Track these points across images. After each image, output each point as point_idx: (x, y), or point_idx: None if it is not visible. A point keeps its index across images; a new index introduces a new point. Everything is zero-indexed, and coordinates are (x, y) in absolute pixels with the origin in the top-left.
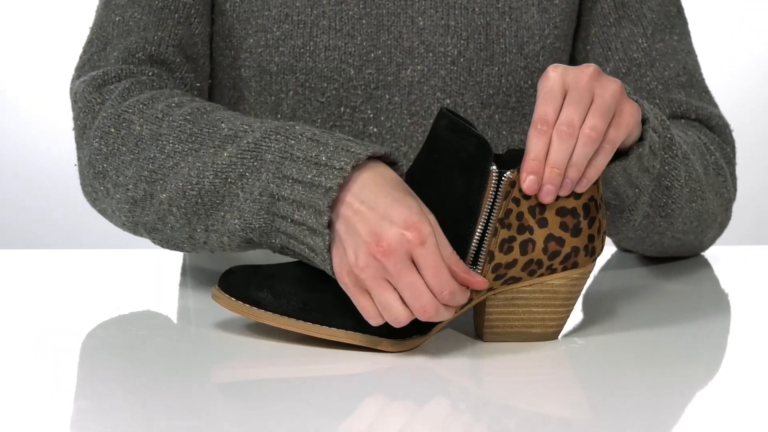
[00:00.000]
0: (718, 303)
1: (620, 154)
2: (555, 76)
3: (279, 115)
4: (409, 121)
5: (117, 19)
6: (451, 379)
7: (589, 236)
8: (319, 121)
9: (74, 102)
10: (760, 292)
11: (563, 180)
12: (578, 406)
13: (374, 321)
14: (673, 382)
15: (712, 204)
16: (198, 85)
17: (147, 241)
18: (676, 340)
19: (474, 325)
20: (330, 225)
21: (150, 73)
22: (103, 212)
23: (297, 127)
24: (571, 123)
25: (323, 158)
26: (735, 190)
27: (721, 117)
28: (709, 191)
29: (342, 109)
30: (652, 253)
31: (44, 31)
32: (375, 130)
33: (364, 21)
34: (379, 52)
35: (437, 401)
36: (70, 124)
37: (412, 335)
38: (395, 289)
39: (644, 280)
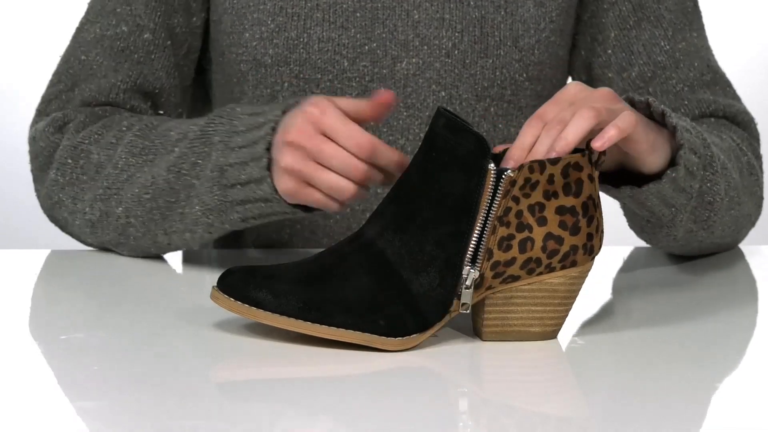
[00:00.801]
0: (722, 304)
1: (654, 176)
2: (572, 87)
3: None
4: (405, 114)
5: (83, 57)
6: (450, 379)
7: (587, 235)
8: None
9: (33, 139)
10: (762, 292)
11: None
12: (578, 406)
13: (328, 206)
14: (673, 382)
15: (747, 206)
16: (160, 113)
17: None
18: (677, 340)
19: (472, 324)
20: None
21: (104, 108)
22: (71, 235)
23: (237, 108)
24: (562, 120)
25: (261, 120)
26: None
27: (747, 113)
28: (744, 194)
29: None
30: (686, 254)
31: (46, 31)
32: (371, 123)
33: (358, 14)
34: (374, 44)
35: (436, 401)
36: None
37: (411, 333)
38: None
39: (644, 280)
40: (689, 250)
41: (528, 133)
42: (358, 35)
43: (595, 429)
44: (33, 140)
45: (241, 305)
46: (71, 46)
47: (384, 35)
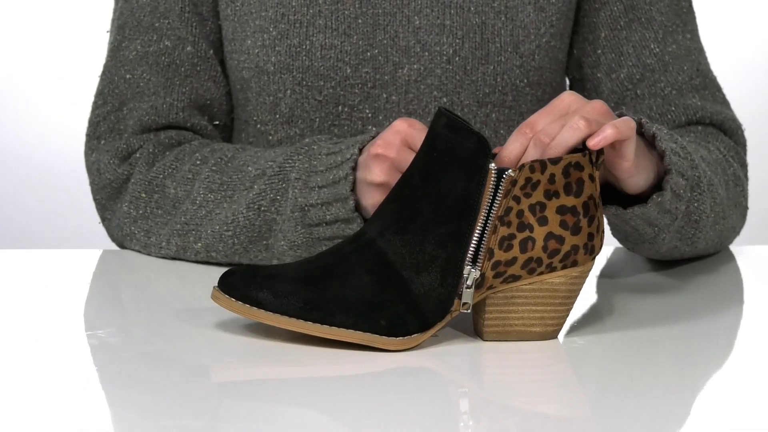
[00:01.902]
0: (719, 303)
1: (639, 199)
2: (566, 97)
3: (277, 115)
4: None
5: (128, 77)
6: (451, 379)
7: (588, 234)
8: (318, 120)
9: (98, 171)
10: (762, 292)
11: None
12: (578, 406)
13: None
14: (673, 381)
15: (732, 219)
16: (216, 123)
17: None
18: (677, 340)
19: (473, 324)
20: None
21: (169, 135)
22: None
23: (315, 146)
24: (549, 133)
25: (339, 159)
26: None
27: (734, 119)
28: (730, 208)
29: (340, 108)
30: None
31: (48, 30)
32: (374, 129)
33: (360, 20)
34: (376, 51)
35: (437, 401)
36: (73, 124)
37: (412, 333)
38: None
39: (644, 280)
40: (670, 258)
41: (516, 141)
42: (360, 42)
43: (595, 429)
44: (97, 172)
45: (242, 305)
46: (111, 65)
47: (385, 41)
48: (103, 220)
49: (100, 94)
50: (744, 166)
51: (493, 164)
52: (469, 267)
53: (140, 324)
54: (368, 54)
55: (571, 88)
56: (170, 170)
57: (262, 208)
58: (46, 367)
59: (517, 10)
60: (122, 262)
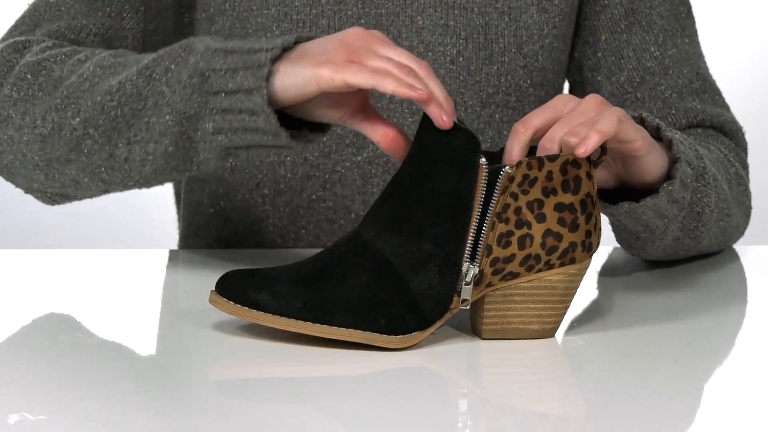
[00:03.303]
0: (719, 303)
1: (649, 190)
2: (560, 97)
3: None
4: (410, 120)
5: (51, 1)
6: (450, 378)
7: (586, 232)
8: None
9: None
10: (764, 292)
11: None
12: (577, 406)
13: (381, 80)
14: (673, 381)
15: (737, 217)
16: None
17: (146, 241)
18: (677, 340)
19: (471, 322)
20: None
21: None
22: (9, 168)
23: (229, 40)
24: (552, 139)
25: (263, 42)
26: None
27: (734, 122)
28: (734, 205)
29: None
30: (672, 259)
31: None
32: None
33: (362, 20)
34: None
35: (436, 400)
36: None
37: (412, 331)
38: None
39: (645, 279)
40: (675, 257)
41: (515, 144)
42: None
43: (594, 428)
44: None
45: (240, 308)
46: None
47: None
48: None
49: (21, 17)
50: (745, 167)
51: (483, 159)
52: (467, 264)
53: (139, 324)
54: None
55: (571, 91)
56: (63, 56)
57: (154, 75)
58: (46, 367)
59: (521, 10)
60: (122, 263)
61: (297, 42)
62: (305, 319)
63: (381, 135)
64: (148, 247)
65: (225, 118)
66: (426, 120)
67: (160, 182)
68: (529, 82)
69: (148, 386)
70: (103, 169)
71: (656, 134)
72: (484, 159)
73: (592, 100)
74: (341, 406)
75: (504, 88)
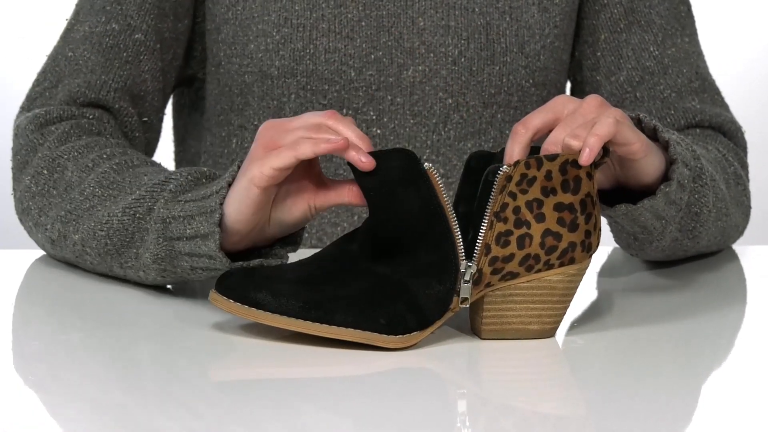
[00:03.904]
0: (719, 303)
1: (647, 191)
2: (559, 98)
3: None
4: (412, 121)
5: (69, 54)
6: (449, 379)
7: (585, 232)
8: None
9: (15, 136)
10: (763, 292)
11: None
12: (577, 405)
13: (305, 143)
14: (672, 381)
15: (735, 217)
16: (144, 120)
17: None
18: (676, 340)
19: (470, 323)
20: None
21: (90, 116)
22: (36, 242)
23: (205, 179)
24: (555, 142)
25: (216, 182)
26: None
27: (734, 122)
28: (732, 205)
29: (344, 111)
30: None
31: (39, 28)
32: (378, 131)
33: (363, 23)
34: (380, 53)
35: (436, 400)
36: None
37: (412, 331)
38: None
39: (644, 279)
40: (674, 257)
41: (515, 145)
42: (363, 45)
43: (594, 427)
44: (15, 137)
45: (241, 306)
46: (59, 45)
47: (390, 43)
48: (13, 190)
49: (42, 72)
50: (744, 166)
51: (428, 164)
52: (465, 262)
53: (139, 324)
54: (372, 56)
55: (572, 91)
56: (76, 154)
57: (137, 215)
58: (44, 366)
59: (522, 10)
60: None
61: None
62: (305, 319)
63: (347, 193)
64: None
65: (192, 259)
66: (355, 169)
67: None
68: (531, 81)
69: (148, 385)
70: (109, 274)
71: (653, 135)
72: (428, 164)
73: (592, 101)
74: (341, 406)
75: (506, 88)
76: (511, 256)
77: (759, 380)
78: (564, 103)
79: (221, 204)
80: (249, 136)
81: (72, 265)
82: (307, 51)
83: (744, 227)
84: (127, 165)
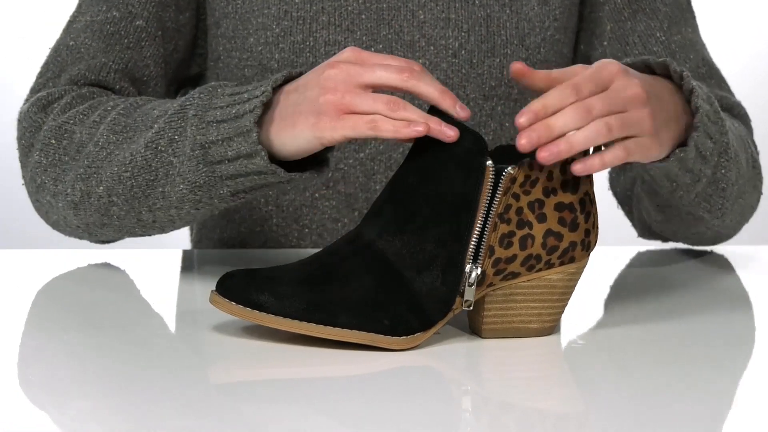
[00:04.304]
0: (719, 303)
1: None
2: (610, 67)
3: None
4: None
5: (71, 44)
6: (451, 378)
7: (585, 231)
8: None
9: (19, 122)
10: (763, 292)
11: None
12: (577, 405)
13: (378, 124)
14: (671, 381)
15: (751, 198)
16: None
17: (146, 241)
18: (676, 339)
19: (470, 322)
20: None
21: (92, 90)
22: (55, 225)
23: (218, 87)
24: (590, 109)
25: (245, 96)
26: None
27: (741, 106)
28: (749, 186)
29: None
30: (684, 241)
31: (41, 27)
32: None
33: (363, 16)
34: (380, 46)
35: (437, 400)
36: None
37: (415, 332)
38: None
39: (644, 279)
40: (691, 234)
41: (559, 96)
42: (363, 37)
43: (593, 426)
44: (18, 122)
45: (242, 309)
46: (61, 37)
47: (390, 36)
48: (23, 177)
49: (45, 64)
50: (757, 151)
51: (490, 162)
52: (470, 264)
53: (139, 325)
54: (373, 49)
55: None
56: (81, 117)
57: (160, 148)
58: (44, 366)
59: (522, 3)
60: (121, 263)
61: (284, 82)
62: (309, 321)
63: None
64: (148, 248)
65: (236, 181)
66: (431, 116)
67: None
68: None
69: (149, 387)
70: (136, 229)
71: (688, 97)
72: (490, 161)
73: (636, 95)
74: (344, 407)
75: (506, 81)
76: (514, 257)
77: (759, 380)
78: (614, 75)
79: (256, 122)
80: None
81: (99, 242)
82: (307, 44)
83: (753, 212)
84: (133, 107)
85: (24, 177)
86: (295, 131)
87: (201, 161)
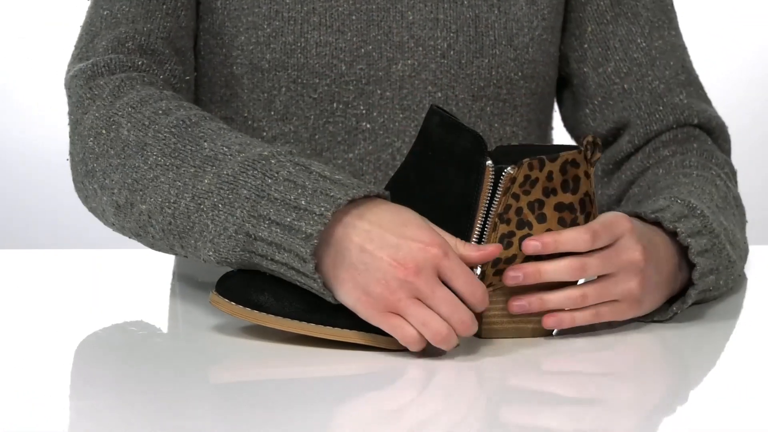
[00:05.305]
0: (719, 303)
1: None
2: (623, 223)
3: (272, 112)
4: (401, 115)
5: (105, 13)
6: (449, 378)
7: None
8: (312, 117)
9: (68, 97)
10: (763, 292)
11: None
12: (576, 404)
13: (414, 339)
14: (671, 381)
15: (742, 246)
16: (186, 78)
17: None
18: (675, 340)
19: None
20: (317, 267)
21: (140, 63)
22: (93, 211)
23: (273, 162)
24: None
25: (302, 202)
26: None
27: (718, 117)
28: (741, 234)
29: (335, 105)
30: None
31: (46, 30)
32: (368, 125)
33: (354, 17)
34: (370, 47)
35: (437, 400)
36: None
37: None
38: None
39: None
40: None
41: (578, 239)
42: (354, 38)
43: (593, 426)
44: (68, 97)
45: (243, 309)
46: (90, 12)
47: (379, 37)
48: (71, 154)
49: (79, 38)
50: (734, 174)
51: (490, 162)
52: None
53: (138, 324)
54: (362, 50)
55: (558, 84)
56: (130, 110)
57: (203, 207)
58: (45, 367)
59: (510, 3)
60: (121, 263)
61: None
62: (309, 321)
63: None
64: (147, 248)
65: (272, 270)
66: (430, 119)
67: None
68: (520, 74)
69: (148, 387)
70: (169, 252)
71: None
72: (490, 161)
73: (622, 241)
74: (344, 407)
75: (495, 81)
76: (514, 258)
77: (759, 380)
78: (624, 231)
79: (312, 255)
80: (236, 128)
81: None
82: (298, 44)
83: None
84: (185, 124)
85: (71, 154)
86: (341, 290)
87: (242, 247)
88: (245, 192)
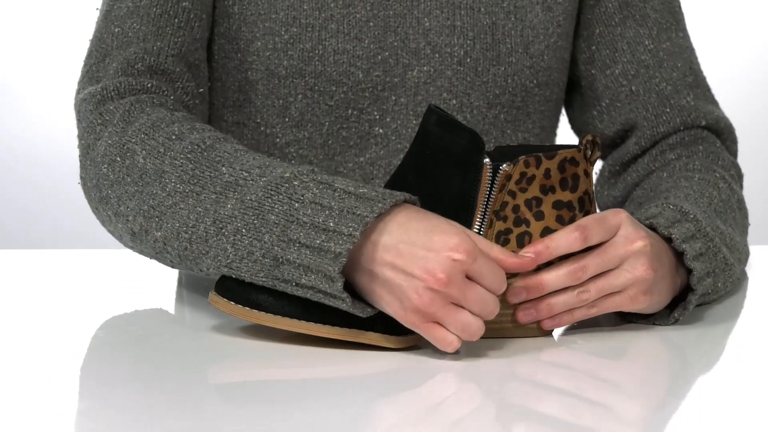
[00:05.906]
0: (719, 302)
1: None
2: (622, 218)
3: (287, 119)
4: (414, 122)
5: (116, 30)
6: (449, 378)
7: None
8: (327, 123)
9: (78, 121)
10: (763, 292)
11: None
12: (576, 404)
13: (453, 346)
14: (671, 381)
15: (745, 243)
16: (200, 91)
17: None
18: (676, 340)
19: None
20: (347, 285)
21: (149, 86)
22: (111, 233)
23: (296, 183)
24: (584, 269)
25: (331, 224)
26: None
27: (725, 118)
28: (742, 238)
29: (350, 111)
30: None
31: (47, 30)
32: (381, 131)
33: (371, 23)
34: (386, 53)
35: (437, 400)
36: (71, 123)
37: (413, 332)
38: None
39: None
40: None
41: (568, 240)
42: (371, 45)
43: (593, 426)
44: (78, 121)
45: (242, 308)
46: (101, 26)
47: (396, 44)
48: (82, 179)
49: (87, 55)
50: (741, 177)
51: (487, 160)
52: None
53: (138, 325)
54: (379, 57)
55: (566, 86)
56: (143, 136)
57: (224, 232)
58: (45, 367)
59: (526, 10)
60: (121, 263)
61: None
62: (308, 320)
63: None
64: None
65: (298, 294)
66: (427, 118)
67: None
68: (535, 82)
69: (148, 387)
70: (187, 270)
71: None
72: (488, 159)
73: (623, 230)
74: (344, 407)
75: (510, 89)
76: None
77: (759, 380)
78: (619, 222)
79: (341, 273)
80: (248, 134)
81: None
82: (316, 52)
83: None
84: (200, 148)
85: (83, 179)
86: (380, 303)
87: (266, 273)
88: (273, 218)
